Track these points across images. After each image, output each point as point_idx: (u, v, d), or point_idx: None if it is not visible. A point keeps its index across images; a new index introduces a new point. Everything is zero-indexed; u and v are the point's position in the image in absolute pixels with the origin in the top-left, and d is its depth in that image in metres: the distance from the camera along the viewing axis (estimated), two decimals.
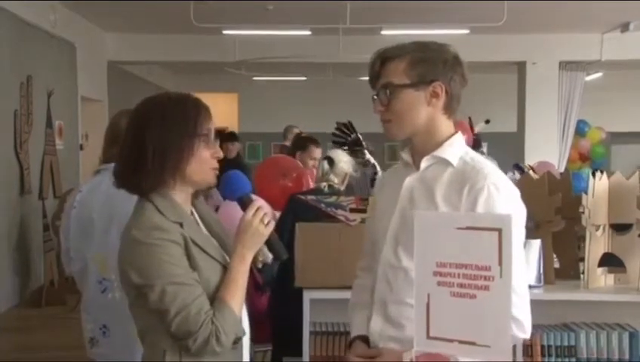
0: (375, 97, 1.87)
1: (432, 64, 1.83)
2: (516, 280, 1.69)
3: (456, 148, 1.85)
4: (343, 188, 3.58)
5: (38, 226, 7.64)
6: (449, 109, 1.87)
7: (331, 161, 3.67)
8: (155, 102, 1.85)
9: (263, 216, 1.83)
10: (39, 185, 7.70)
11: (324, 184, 3.60)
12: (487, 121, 9.26)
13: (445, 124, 1.87)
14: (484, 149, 6.97)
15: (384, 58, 1.86)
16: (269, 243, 1.86)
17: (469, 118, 8.96)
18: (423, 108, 1.84)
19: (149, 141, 1.77)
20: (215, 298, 1.77)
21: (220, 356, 1.79)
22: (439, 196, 1.79)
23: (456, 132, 1.89)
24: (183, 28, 8.91)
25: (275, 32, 9.26)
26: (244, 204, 1.86)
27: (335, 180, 3.61)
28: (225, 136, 7.73)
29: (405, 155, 1.92)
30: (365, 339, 1.90)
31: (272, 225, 1.85)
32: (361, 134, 4.87)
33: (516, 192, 1.82)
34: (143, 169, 1.77)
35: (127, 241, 1.77)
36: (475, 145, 6.84)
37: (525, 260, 2.34)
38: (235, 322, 1.76)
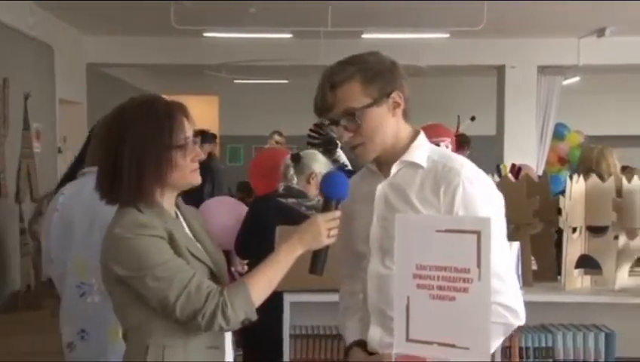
0: (330, 125, 1.85)
1: (384, 76, 1.82)
2: (503, 269, 1.71)
3: (422, 150, 1.86)
4: (310, 187, 3.46)
5: (14, 230, 7.56)
6: (406, 113, 1.87)
7: (296, 159, 3.59)
8: (128, 114, 1.82)
9: (332, 228, 1.80)
10: (16, 189, 7.62)
11: (282, 184, 3.54)
12: (473, 118, 9.33)
13: (405, 128, 1.88)
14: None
15: (333, 85, 1.81)
16: (316, 253, 1.82)
17: (458, 117, 9.03)
18: (389, 121, 1.84)
19: (124, 156, 1.76)
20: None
21: (201, 357, 1.79)
22: (414, 198, 1.80)
23: (418, 132, 1.89)
24: (164, 30, 8.85)
25: (257, 34, 9.24)
26: (327, 207, 1.83)
27: (295, 179, 3.50)
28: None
29: (371, 164, 1.91)
30: (361, 344, 1.90)
31: (333, 240, 1.81)
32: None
33: (489, 180, 1.84)
34: (120, 184, 1.77)
35: (110, 239, 1.76)
36: (461, 144, 6.90)
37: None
38: (248, 303, 1.73)
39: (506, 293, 1.69)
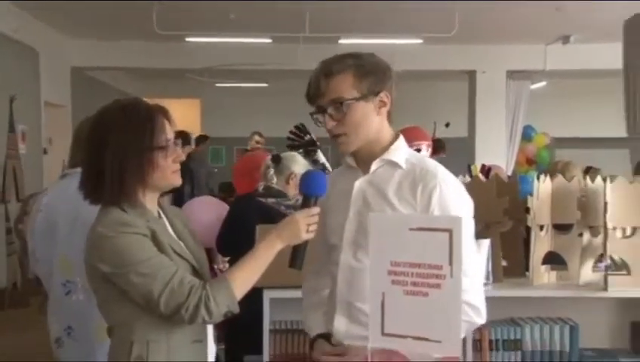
0: (316, 115, 1.85)
1: (376, 75, 1.84)
2: (471, 269, 1.73)
3: (402, 151, 1.87)
4: (290, 187, 3.44)
5: (0, 229, 7.50)
6: (391, 115, 1.89)
7: (277, 160, 3.57)
8: (110, 117, 1.81)
9: (310, 223, 1.80)
10: (1, 189, 7.57)
11: (261, 184, 3.53)
12: (447, 125, 9.40)
13: (387, 129, 1.90)
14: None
15: (327, 74, 1.83)
16: (296, 248, 1.82)
17: (434, 123, 9.08)
18: (374, 118, 1.85)
19: (107, 158, 1.75)
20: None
21: (183, 357, 1.78)
22: (392, 195, 1.81)
23: (398, 135, 1.91)
24: (147, 35, 8.81)
25: (237, 39, 9.23)
26: (306, 204, 1.83)
27: (275, 179, 3.49)
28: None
29: (349, 160, 1.93)
30: (326, 337, 1.90)
31: (312, 235, 1.81)
32: (315, 136, 4.81)
33: (461, 185, 1.87)
34: (103, 185, 1.76)
35: (93, 238, 1.75)
36: (437, 149, 6.92)
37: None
38: (229, 296, 1.73)
39: (471, 292, 1.71)
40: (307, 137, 4.70)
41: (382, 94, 1.85)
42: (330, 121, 1.84)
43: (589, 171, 4.96)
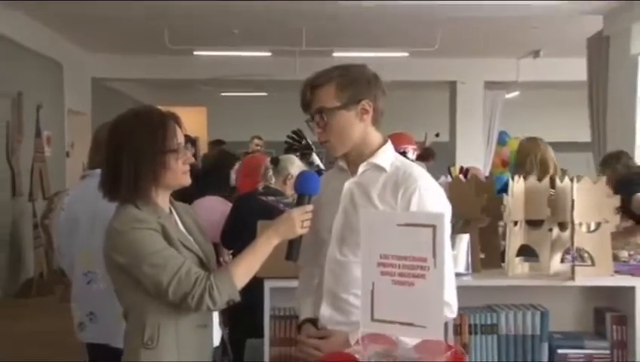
0: (310, 122, 1.84)
1: (358, 85, 1.82)
2: (447, 268, 1.71)
3: (387, 155, 1.85)
4: (287, 187, 3.43)
5: (28, 225, 7.51)
6: (377, 122, 1.86)
7: (276, 162, 3.57)
8: (126, 123, 1.80)
9: (305, 219, 1.79)
10: (29, 189, 7.58)
11: (261, 185, 3.53)
12: (437, 135, 9.43)
13: (374, 135, 1.87)
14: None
15: (313, 86, 1.82)
16: (292, 241, 1.81)
17: (425, 134, 9.11)
18: (356, 125, 1.82)
19: (123, 161, 1.75)
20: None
21: (189, 339, 1.76)
22: (375, 197, 1.80)
23: (386, 141, 1.89)
24: (159, 49, 8.81)
25: (240, 53, 9.23)
26: (301, 202, 1.82)
27: (273, 180, 3.50)
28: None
29: (341, 163, 1.91)
30: (313, 321, 1.89)
31: (306, 230, 1.80)
32: (310, 140, 4.80)
33: (442, 191, 1.84)
34: (119, 184, 1.75)
35: (110, 233, 1.75)
36: (427, 156, 6.93)
37: (455, 252, 2.39)
38: (231, 286, 1.73)
39: (446, 290, 1.69)
40: (303, 141, 4.70)
41: (363, 102, 1.81)
42: (316, 128, 1.83)
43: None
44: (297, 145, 4.73)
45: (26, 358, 4.99)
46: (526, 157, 3.72)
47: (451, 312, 1.77)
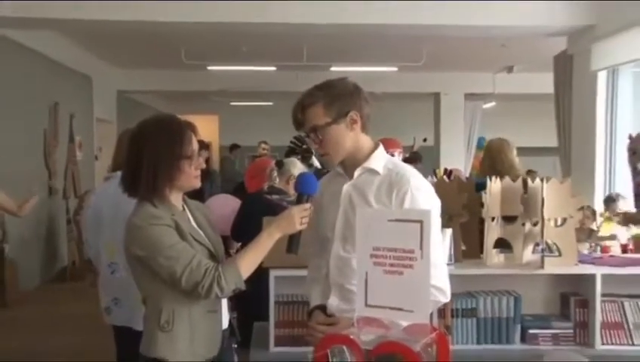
0: (307, 137, 1.82)
1: (342, 99, 1.78)
2: (437, 258, 1.70)
3: (380, 159, 1.82)
4: (289, 187, 3.41)
5: (62, 220, 7.56)
6: (365, 127, 1.83)
7: (280, 164, 3.56)
8: (148, 129, 1.78)
9: (304, 216, 1.77)
10: (63, 188, 7.61)
11: (266, 185, 3.52)
12: (425, 140, 9.45)
13: (365, 140, 1.84)
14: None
15: (303, 107, 1.79)
16: (292, 236, 1.79)
17: (414, 138, 9.10)
18: (347, 135, 1.79)
19: (143, 163, 1.73)
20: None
21: (201, 323, 1.75)
22: (371, 198, 1.77)
23: (377, 145, 1.86)
24: (176, 64, 8.80)
25: (248, 67, 9.22)
26: (300, 201, 1.80)
27: (277, 180, 3.49)
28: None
29: (338, 168, 1.88)
30: (322, 308, 1.87)
31: (305, 226, 1.78)
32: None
33: (431, 189, 1.81)
34: (139, 184, 1.74)
35: (130, 228, 1.73)
36: (415, 159, 6.92)
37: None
38: (237, 276, 1.71)
39: (438, 277, 1.68)
40: (304, 146, 4.70)
41: (351, 113, 1.78)
42: (313, 144, 1.81)
43: (529, 173, 4.94)
44: (299, 148, 4.72)
45: (63, 336, 5.04)
46: (498, 155, 3.69)
47: (445, 297, 1.75)
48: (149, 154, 1.73)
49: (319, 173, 4.41)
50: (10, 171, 5.82)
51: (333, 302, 1.84)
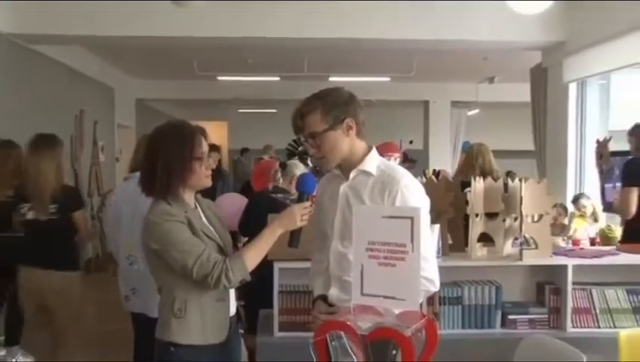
0: (305, 142, 1.81)
1: (338, 107, 1.76)
2: (427, 251, 1.69)
3: (373, 162, 1.80)
4: (292, 186, 3.39)
5: (87, 216, 7.55)
6: (361, 133, 1.81)
7: (284, 166, 3.56)
8: (162, 134, 1.77)
9: (304, 214, 1.76)
10: (88, 187, 7.62)
11: (271, 184, 3.53)
12: (411, 142, 9.45)
13: (360, 145, 1.82)
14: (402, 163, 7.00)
15: (302, 114, 1.77)
16: (293, 232, 1.78)
17: (400, 141, 9.09)
18: (344, 141, 1.77)
19: (158, 165, 1.72)
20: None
21: (210, 310, 1.74)
22: (366, 197, 1.76)
23: (371, 148, 1.84)
24: (189, 75, 8.80)
25: (255, 78, 9.21)
26: (301, 199, 1.79)
27: (281, 180, 3.49)
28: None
29: (335, 170, 1.87)
30: (324, 298, 1.86)
31: (305, 222, 1.77)
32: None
33: (421, 188, 1.80)
34: (154, 184, 1.73)
35: (147, 224, 1.72)
36: (405, 159, 6.91)
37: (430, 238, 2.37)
38: (243, 268, 1.71)
39: (428, 270, 1.67)
40: (300, 148, 4.70)
41: (347, 120, 1.76)
42: (311, 148, 1.79)
43: (509, 174, 4.94)
44: (296, 150, 4.72)
45: (90, 320, 5.11)
46: (478, 157, 3.69)
47: (435, 287, 1.73)
48: (163, 157, 1.72)
49: (315, 172, 4.40)
50: None
51: (334, 293, 1.83)
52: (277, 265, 2.43)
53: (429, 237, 1.81)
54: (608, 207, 4.27)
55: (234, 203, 3.90)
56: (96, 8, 5.19)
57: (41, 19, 5.22)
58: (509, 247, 2.68)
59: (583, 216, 5.23)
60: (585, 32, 5.31)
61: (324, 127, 1.75)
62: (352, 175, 1.81)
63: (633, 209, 3.33)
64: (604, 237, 4.61)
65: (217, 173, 3.31)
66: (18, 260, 3.16)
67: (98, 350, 4.42)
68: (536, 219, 2.58)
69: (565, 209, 5.39)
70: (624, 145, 4.38)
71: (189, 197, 1.81)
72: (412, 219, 1.37)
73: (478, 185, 2.63)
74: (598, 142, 4.24)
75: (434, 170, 4.46)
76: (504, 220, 2.65)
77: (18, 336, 4.08)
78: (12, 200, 3.91)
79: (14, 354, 3.99)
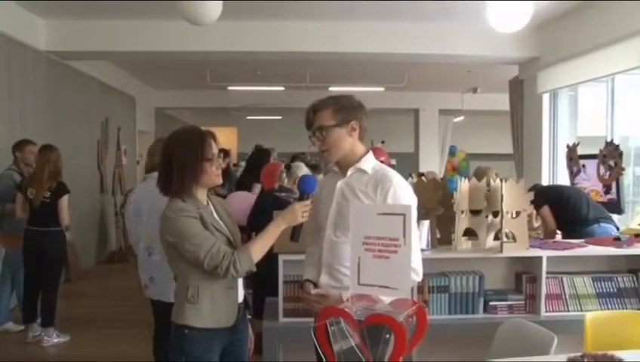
0: (312, 137, 1.82)
1: (348, 109, 1.79)
2: (414, 246, 1.68)
3: (369, 162, 1.82)
4: (296, 186, 3.42)
5: (111, 213, 7.61)
6: (362, 136, 1.83)
7: (288, 168, 3.56)
8: (176, 138, 1.77)
9: (305, 211, 1.76)
10: (112, 187, 7.64)
11: (277, 184, 3.53)
12: (383, 142, 9.44)
13: (360, 147, 1.84)
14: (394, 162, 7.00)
15: (315, 109, 1.80)
16: (294, 227, 1.78)
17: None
18: (346, 139, 1.79)
19: (174, 166, 1.72)
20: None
21: (221, 297, 1.73)
22: (360, 193, 1.76)
23: (368, 151, 1.85)
24: (202, 85, 8.82)
25: (262, 87, 9.21)
26: (302, 198, 1.79)
27: (286, 181, 3.49)
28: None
29: (335, 168, 1.88)
30: (312, 282, 1.85)
31: (306, 218, 1.77)
32: (310, 153, 4.80)
33: (409, 187, 1.81)
34: (170, 183, 1.72)
35: (163, 219, 1.72)
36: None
37: (419, 233, 2.36)
38: (249, 260, 1.70)
39: (414, 261, 1.67)
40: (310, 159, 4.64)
41: (352, 122, 1.79)
42: (317, 141, 1.80)
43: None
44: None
45: (113, 305, 5.20)
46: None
47: (418, 276, 1.73)
48: (177, 159, 1.72)
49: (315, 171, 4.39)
50: (74, 172, 5.87)
51: (323, 280, 1.83)
52: (282, 257, 2.42)
53: (415, 231, 1.81)
54: None
55: (243, 201, 3.89)
56: (123, 27, 5.40)
57: (74, 37, 5.50)
58: (491, 241, 2.67)
59: None
60: (556, 49, 5.44)
61: (332, 123, 1.77)
62: (349, 172, 1.82)
63: (554, 224, 3.60)
64: None
65: (225, 173, 3.32)
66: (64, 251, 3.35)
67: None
68: (514, 215, 2.57)
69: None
70: (591, 150, 4.45)
71: (201, 194, 1.81)
72: (404, 215, 1.36)
73: (464, 184, 2.62)
74: (568, 146, 4.27)
75: (419, 173, 4.48)
76: (487, 216, 2.64)
77: (53, 318, 4.09)
78: (49, 201, 3.96)
79: (50, 334, 4.02)
